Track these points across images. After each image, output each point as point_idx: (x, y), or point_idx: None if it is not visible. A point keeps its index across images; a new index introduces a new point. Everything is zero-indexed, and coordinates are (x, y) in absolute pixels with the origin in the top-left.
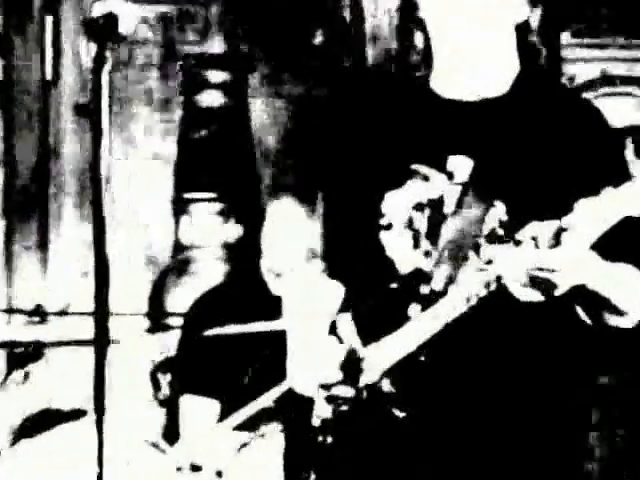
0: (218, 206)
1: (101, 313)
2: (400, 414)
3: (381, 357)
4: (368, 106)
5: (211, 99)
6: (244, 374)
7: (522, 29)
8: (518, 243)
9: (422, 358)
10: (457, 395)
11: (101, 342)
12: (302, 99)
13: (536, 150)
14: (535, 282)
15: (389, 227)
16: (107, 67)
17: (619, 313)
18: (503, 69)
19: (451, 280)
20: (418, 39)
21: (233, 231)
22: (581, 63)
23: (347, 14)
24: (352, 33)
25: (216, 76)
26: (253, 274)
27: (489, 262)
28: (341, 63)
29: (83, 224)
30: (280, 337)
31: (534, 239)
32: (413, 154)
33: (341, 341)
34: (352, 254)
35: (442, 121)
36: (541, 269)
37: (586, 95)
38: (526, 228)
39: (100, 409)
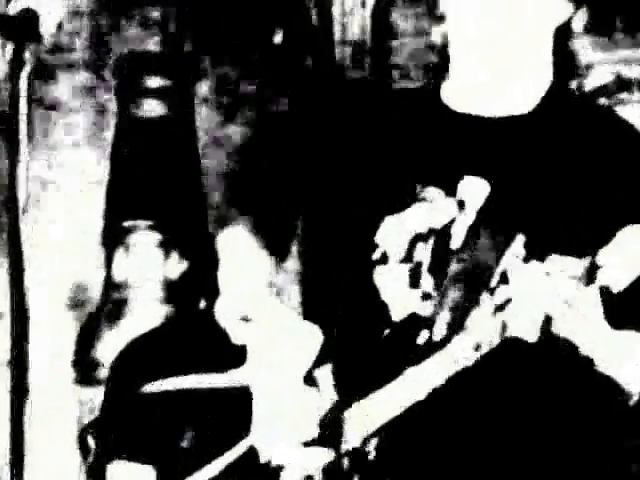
0: (158, 236)
1: (18, 363)
2: None
3: (366, 417)
4: (363, 117)
5: (150, 108)
6: (184, 436)
7: (561, 33)
8: (539, 275)
9: (414, 420)
10: (459, 465)
11: (18, 397)
12: (261, 107)
13: (565, 176)
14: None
15: (383, 261)
16: (26, 71)
17: (625, 397)
18: (533, 81)
19: (455, 329)
20: (437, 37)
21: (176, 266)
22: (591, 65)
23: (312, 10)
24: (318, 31)
25: (156, 81)
26: (198, 317)
27: (503, 307)
28: (304, 64)
29: None
30: (232, 392)
31: (564, 273)
32: (417, 174)
33: (318, 399)
34: (335, 292)
35: (454, 138)
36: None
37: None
38: (554, 259)
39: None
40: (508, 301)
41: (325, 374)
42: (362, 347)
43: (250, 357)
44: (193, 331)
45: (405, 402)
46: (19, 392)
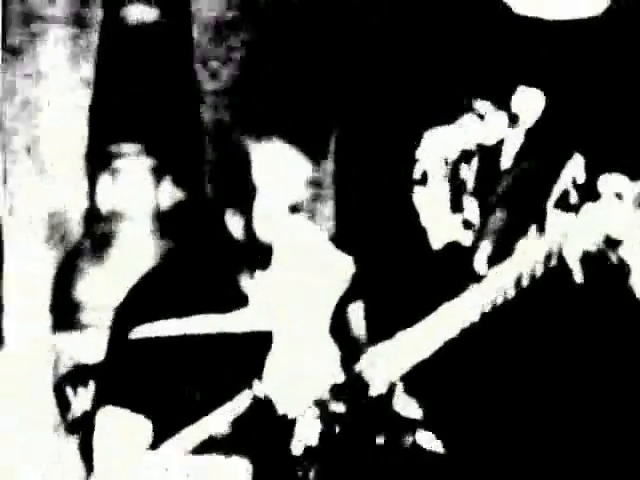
0: (149, 161)
1: None
2: (429, 444)
3: (393, 360)
4: (406, 15)
5: (140, 14)
6: (193, 388)
7: None
8: (597, 197)
9: (445, 362)
10: (495, 411)
11: None
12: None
13: (635, 89)
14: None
15: (423, 181)
16: None
17: None
18: None
19: (498, 261)
20: None
21: (169, 195)
22: None
23: None
24: None
25: None
26: (206, 251)
27: (551, 234)
28: None
29: None
30: (242, 335)
31: (618, 196)
32: (467, 83)
33: (347, 339)
34: (370, 214)
35: (512, 44)
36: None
37: None
38: (609, 179)
39: None
40: (557, 228)
41: (356, 311)
42: (397, 278)
43: (272, 294)
44: (203, 267)
45: (436, 342)
46: None
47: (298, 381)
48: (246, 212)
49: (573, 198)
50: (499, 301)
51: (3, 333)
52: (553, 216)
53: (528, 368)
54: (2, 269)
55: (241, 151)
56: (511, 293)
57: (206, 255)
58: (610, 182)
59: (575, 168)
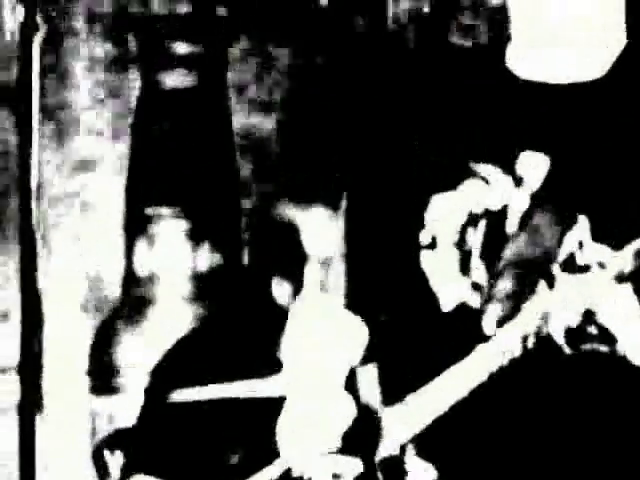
0: (186, 225)
1: (29, 370)
2: None
3: (404, 422)
4: (413, 83)
5: (178, 79)
6: (229, 452)
7: None
8: (584, 269)
9: (455, 422)
10: (505, 472)
11: (29, 409)
12: (303, 71)
13: (638, 152)
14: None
15: (432, 245)
16: (39, 37)
17: None
18: (604, 43)
19: (506, 322)
20: None
21: (206, 259)
22: None
23: None
24: None
25: (184, 48)
26: (246, 314)
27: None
28: (352, 27)
29: (5, 249)
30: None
31: (601, 265)
32: (472, 147)
33: (358, 401)
34: (380, 279)
35: (515, 108)
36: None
37: None
38: (596, 249)
39: None
40: (564, 289)
41: (369, 374)
42: (407, 342)
43: (287, 359)
44: (241, 332)
45: (445, 403)
46: (29, 404)
47: (311, 443)
48: (295, 279)
49: (579, 261)
50: (506, 361)
51: (43, 398)
52: (560, 278)
53: (537, 428)
54: (42, 334)
55: (286, 219)
56: (517, 353)
57: (244, 320)
58: (593, 253)
59: (580, 231)
